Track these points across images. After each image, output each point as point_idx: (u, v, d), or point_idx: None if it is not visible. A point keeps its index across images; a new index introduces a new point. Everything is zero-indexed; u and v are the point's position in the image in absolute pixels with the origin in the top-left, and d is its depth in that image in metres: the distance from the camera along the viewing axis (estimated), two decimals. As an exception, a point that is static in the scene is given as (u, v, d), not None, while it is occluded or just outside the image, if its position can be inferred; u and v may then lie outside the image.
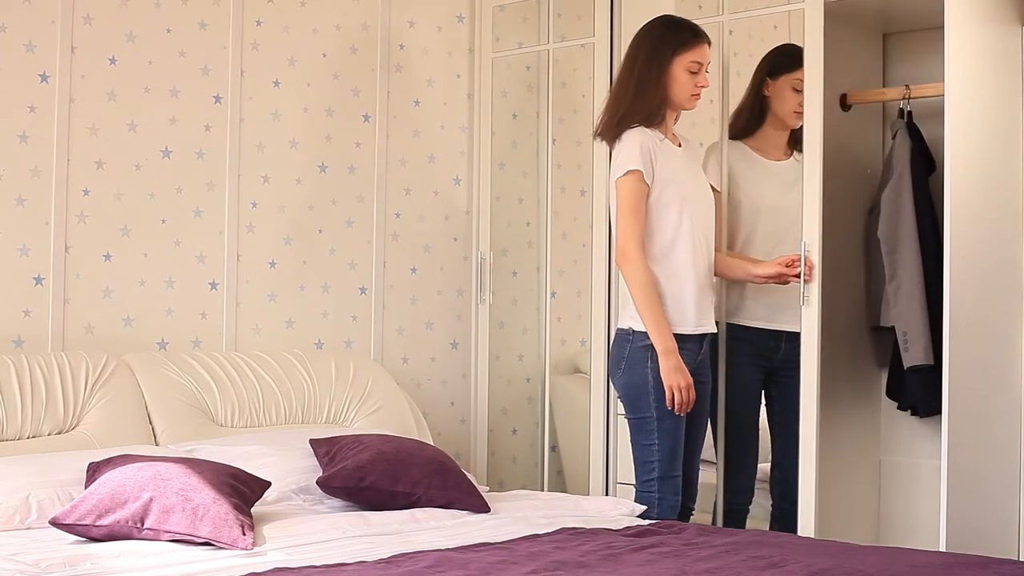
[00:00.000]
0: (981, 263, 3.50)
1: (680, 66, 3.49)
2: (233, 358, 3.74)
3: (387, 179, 4.35)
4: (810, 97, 3.57)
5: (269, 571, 2.40)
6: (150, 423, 3.46)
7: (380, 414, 3.87)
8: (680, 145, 3.58)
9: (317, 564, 2.48)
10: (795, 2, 3.67)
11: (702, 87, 3.52)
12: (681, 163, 3.53)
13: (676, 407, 3.39)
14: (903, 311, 3.66)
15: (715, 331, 3.59)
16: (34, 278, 3.54)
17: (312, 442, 3.38)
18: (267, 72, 4.05)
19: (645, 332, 3.43)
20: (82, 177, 3.63)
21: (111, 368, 3.46)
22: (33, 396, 3.27)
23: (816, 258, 3.52)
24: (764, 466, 3.78)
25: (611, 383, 3.65)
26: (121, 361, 3.52)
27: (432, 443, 3.82)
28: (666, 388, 3.39)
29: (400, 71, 4.40)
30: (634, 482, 3.54)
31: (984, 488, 3.49)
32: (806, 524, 3.54)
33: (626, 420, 3.56)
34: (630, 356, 3.47)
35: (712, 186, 3.67)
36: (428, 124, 4.48)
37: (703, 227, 3.53)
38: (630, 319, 3.50)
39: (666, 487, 3.44)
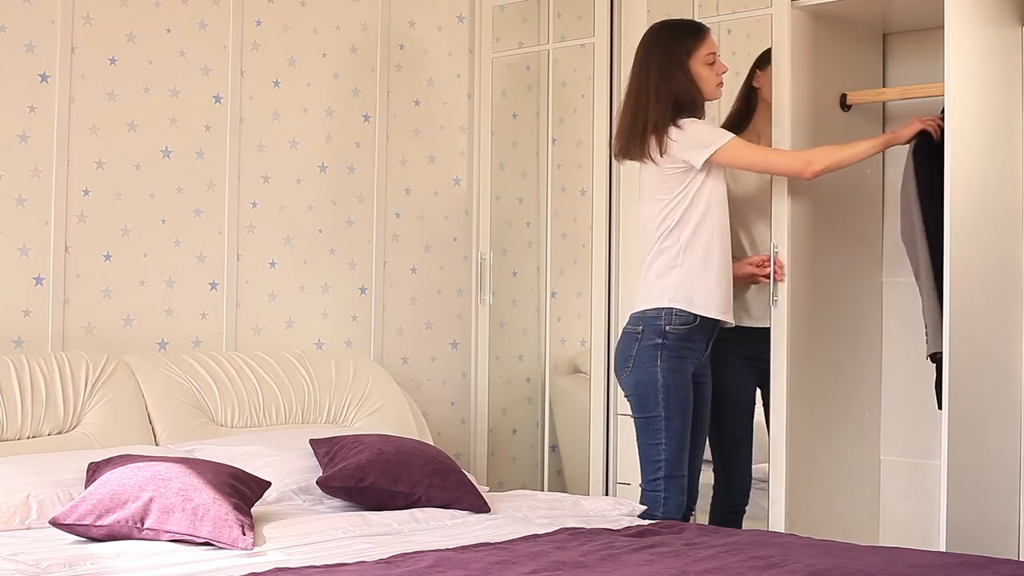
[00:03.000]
0: (981, 263, 3.50)
1: (698, 64, 3.51)
2: (233, 358, 3.74)
3: (387, 179, 4.35)
4: (779, 101, 3.63)
5: (269, 571, 2.40)
6: (150, 423, 3.46)
7: (380, 414, 3.87)
8: None
9: (317, 564, 2.48)
10: (764, 8, 3.72)
11: (723, 73, 3.57)
12: None
13: (933, 129, 3.55)
14: (926, 304, 3.64)
15: (731, 324, 3.57)
16: (34, 278, 3.54)
17: (312, 442, 3.38)
18: (267, 72, 4.05)
19: (654, 330, 3.44)
20: (82, 177, 3.63)
21: (111, 368, 3.46)
22: (33, 396, 3.27)
23: (786, 258, 3.57)
24: (760, 466, 3.78)
25: (617, 382, 3.65)
26: (121, 361, 3.52)
27: (432, 443, 3.82)
28: (922, 128, 3.56)
29: (400, 71, 4.40)
30: (640, 481, 3.54)
31: (984, 488, 3.49)
32: (777, 521, 3.57)
33: (632, 419, 3.56)
34: (638, 355, 3.47)
35: None
36: (428, 124, 4.48)
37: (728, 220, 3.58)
38: (639, 318, 3.50)
39: (672, 486, 3.45)
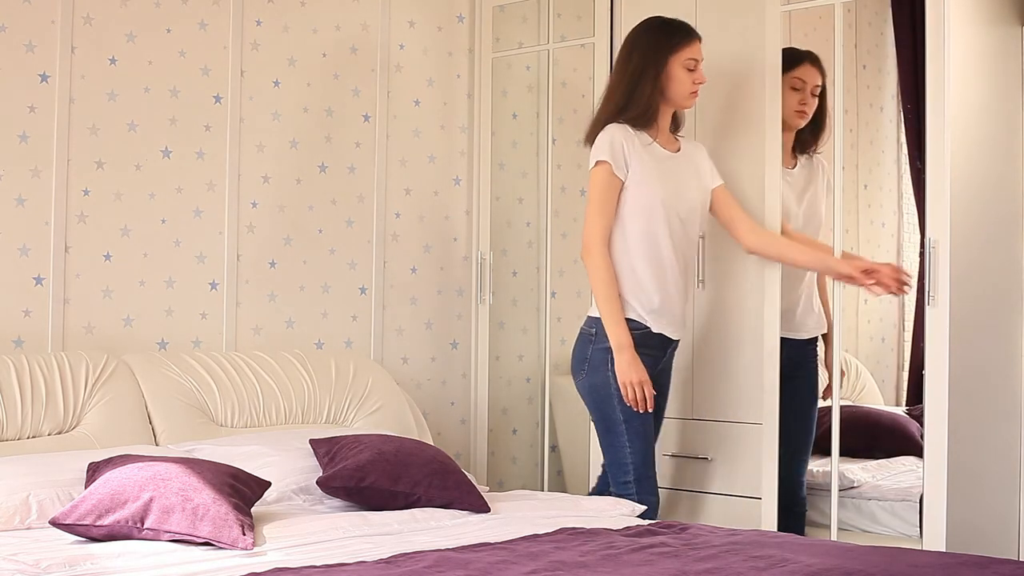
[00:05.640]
0: (981, 263, 3.50)
1: (677, 64, 3.48)
2: (233, 358, 3.74)
3: (387, 179, 4.35)
4: (936, 85, 3.39)
5: (269, 571, 2.40)
6: (150, 423, 3.46)
7: (380, 414, 3.87)
8: (679, 149, 3.59)
9: (317, 564, 2.48)
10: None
11: (699, 83, 3.52)
12: (667, 166, 3.53)
13: (632, 403, 3.40)
14: None
15: (679, 339, 3.60)
16: (34, 278, 3.54)
17: (312, 442, 3.38)
18: (267, 72, 4.05)
19: (607, 334, 3.45)
20: (82, 177, 3.63)
21: (111, 368, 3.46)
22: (33, 396, 3.27)
23: (945, 256, 3.35)
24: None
25: (575, 385, 3.65)
26: (121, 361, 3.52)
27: (432, 443, 3.82)
28: (619, 384, 3.41)
29: (400, 71, 4.40)
30: (611, 487, 3.54)
31: (984, 488, 3.49)
32: (935, 538, 3.37)
33: (593, 424, 3.59)
34: (592, 358, 3.49)
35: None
36: (428, 124, 4.48)
37: (684, 234, 3.53)
38: (595, 320, 3.52)
39: (644, 487, 3.46)
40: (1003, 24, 3.61)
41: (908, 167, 3.99)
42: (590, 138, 3.55)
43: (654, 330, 3.49)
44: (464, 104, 4.57)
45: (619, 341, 3.42)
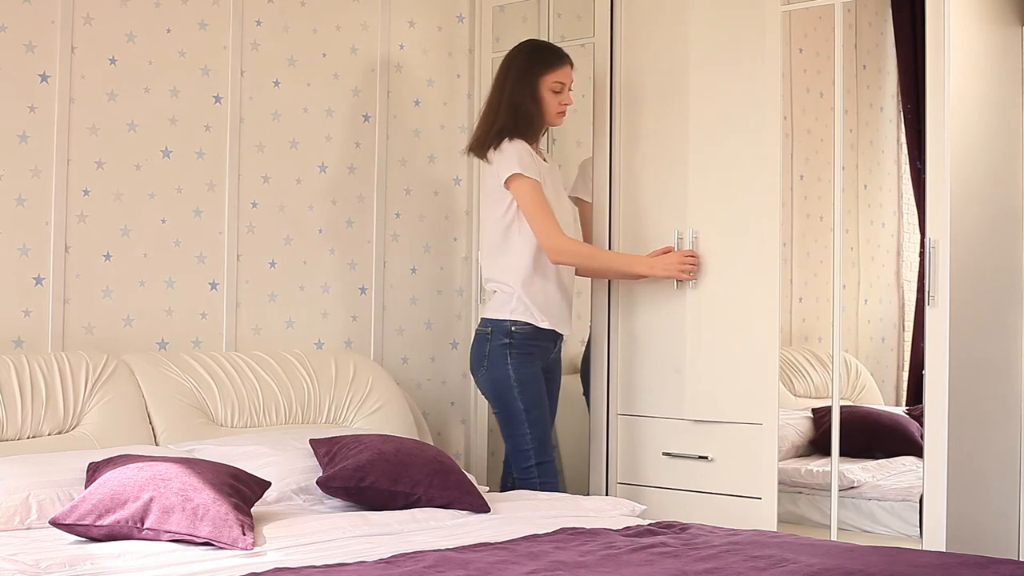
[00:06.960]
0: (981, 263, 3.50)
1: (544, 87, 3.79)
2: (233, 358, 3.74)
3: (387, 179, 4.35)
4: (936, 85, 3.40)
5: (269, 571, 2.40)
6: (150, 423, 3.46)
7: (380, 414, 3.87)
8: (546, 161, 3.88)
9: (317, 564, 2.48)
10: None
11: (566, 105, 3.84)
12: (549, 177, 3.82)
13: (689, 275, 3.79)
14: None
15: (568, 334, 3.88)
16: (34, 278, 3.54)
17: (312, 442, 3.38)
18: (267, 72, 4.05)
19: (502, 331, 3.71)
20: (82, 177, 3.63)
21: (111, 368, 3.46)
22: (33, 396, 3.27)
23: (944, 256, 3.36)
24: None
25: (475, 381, 3.90)
26: (121, 361, 3.52)
27: (432, 443, 3.82)
28: (675, 276, 3.80)
29: (400, 71, 4.40)
30: (514, 473, 3.77)
31: (984, 487, 3.49)
32: (935, 538, 3.36)
33: (495, 415, 3.82)
34: (491, 354, 3.74)
35: (581, 198, 4.09)
36: (428, 124, 4.48)
37: None
38: (488, 321, 3.76)
39: (544, 471, 3.72)
40: (1003, 24, 3.61)
41: (908, 167, 3.98)
42: (477, 149, 3.81)
43: (543, 327, 3.75)
44: (464, 104, 4.57)
45: (640, 261, 3.83)
